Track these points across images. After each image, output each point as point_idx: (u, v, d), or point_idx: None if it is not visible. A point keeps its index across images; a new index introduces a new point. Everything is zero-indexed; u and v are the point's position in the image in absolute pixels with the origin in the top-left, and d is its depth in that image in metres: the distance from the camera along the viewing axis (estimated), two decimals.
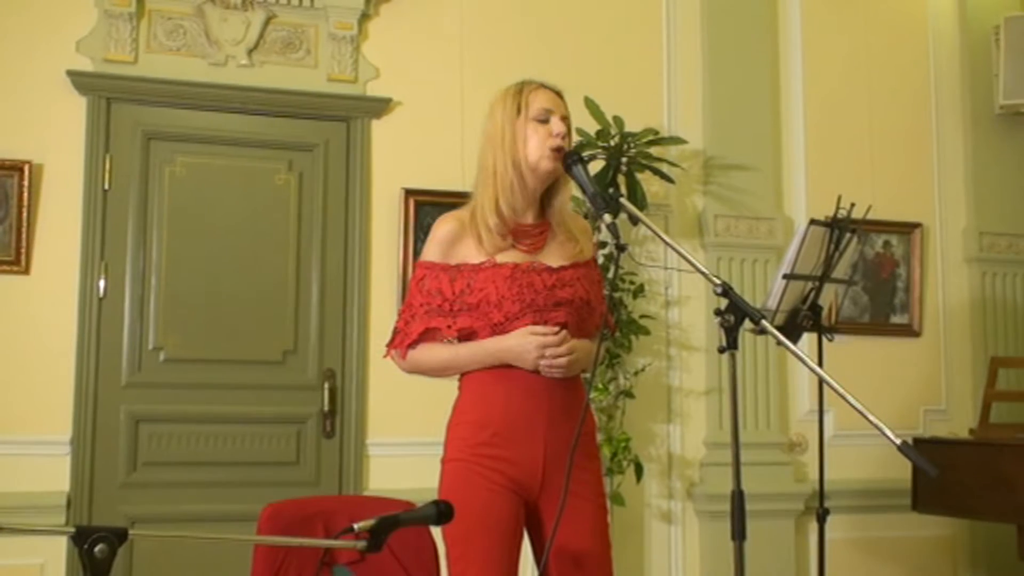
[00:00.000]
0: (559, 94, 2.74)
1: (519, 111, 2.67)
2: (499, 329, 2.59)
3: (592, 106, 4.46)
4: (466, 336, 2.64)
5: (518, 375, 2.61)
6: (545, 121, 2.66)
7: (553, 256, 2.69)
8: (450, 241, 2.67)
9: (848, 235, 3.87)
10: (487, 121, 2.73)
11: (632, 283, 4.61)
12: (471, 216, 2.69)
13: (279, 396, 4.41)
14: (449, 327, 2.61)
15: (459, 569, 2.58)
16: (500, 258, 2.64)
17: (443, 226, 2.69)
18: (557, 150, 2.63)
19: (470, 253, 2.65)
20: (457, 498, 2.49)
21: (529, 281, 2.62)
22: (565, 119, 2.70)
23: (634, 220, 2.60)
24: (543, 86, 2.72)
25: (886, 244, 5.22)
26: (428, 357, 2.67)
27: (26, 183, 4.14)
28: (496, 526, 2.57)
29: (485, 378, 2.65)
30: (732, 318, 2.27)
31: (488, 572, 2.55)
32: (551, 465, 2.59)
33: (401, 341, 2.70)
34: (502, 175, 2.65)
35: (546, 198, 2.74)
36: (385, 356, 2.77)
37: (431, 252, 2.69)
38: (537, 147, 2.64)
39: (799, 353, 2.27)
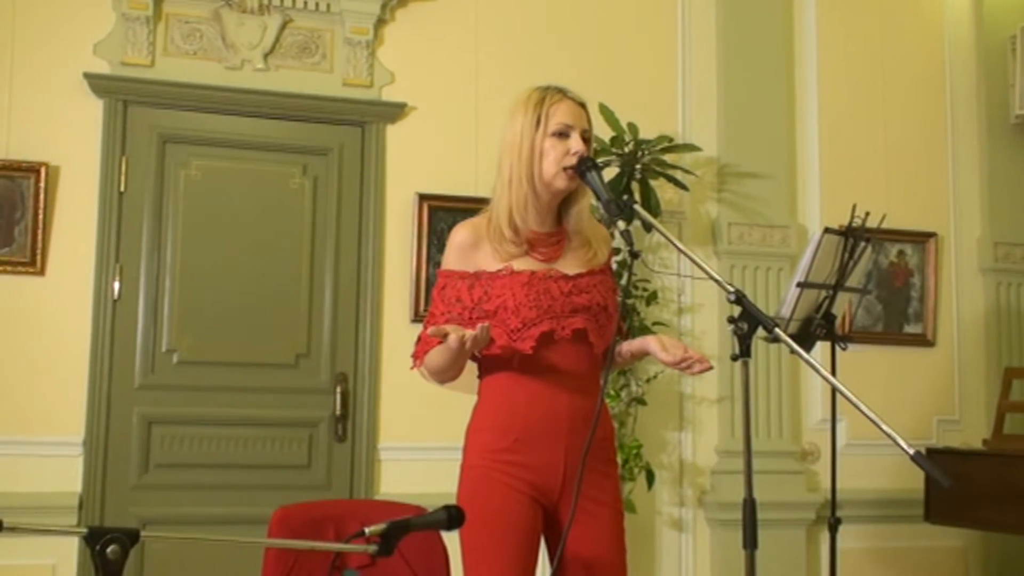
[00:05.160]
0: (582, 105, 2.69)
1: (539, 123, 2.62)
2: (516, 336, 2.58)
3: (607, 113, 4.46)
4: None
5: (539, 382, 2.61)
6: (564, 135, 2.62)
7: (569, 264, 2.69)
8: (467, 247, 2.66)
9: (862, 244, 3.86)
10: (507, 126, 2.69)
11: (645, 290, 4.61)
12: (487, 223, 2.68)
13: (291, 399, 4.41)
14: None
15: (477, 575, 2.58)
16: (517, 265, 2.62)
17: (459, 233, 2.68)
18: (573, 168, 2.60)
19: (487, 260, 2.64)
20: (477, 504, 2.51)
21: (546, 288, 2.61)
22: (586, 133, 2.65)
23: (648, 227, 2.59)
24: (566, 96, 2.67)
25: (900, 253, 5.20)
26: (431, 358, 2.63)
27: (42, 185, 4.16)
28: (515, 533, 2.57)
29: (506, 384, 2.64)
30: (745, 326, 2.27)
31: None
32: (571, 471, 2.58)
33: (420, 350, 2.69)
34: (516, 188, 2.63)
35: (563, 206, 2.72)
36: (413, 368, 2.74)
37: (450, 259, 2.68)
38: (553, 164, 2.60)
39: (812, 362, 2.27)
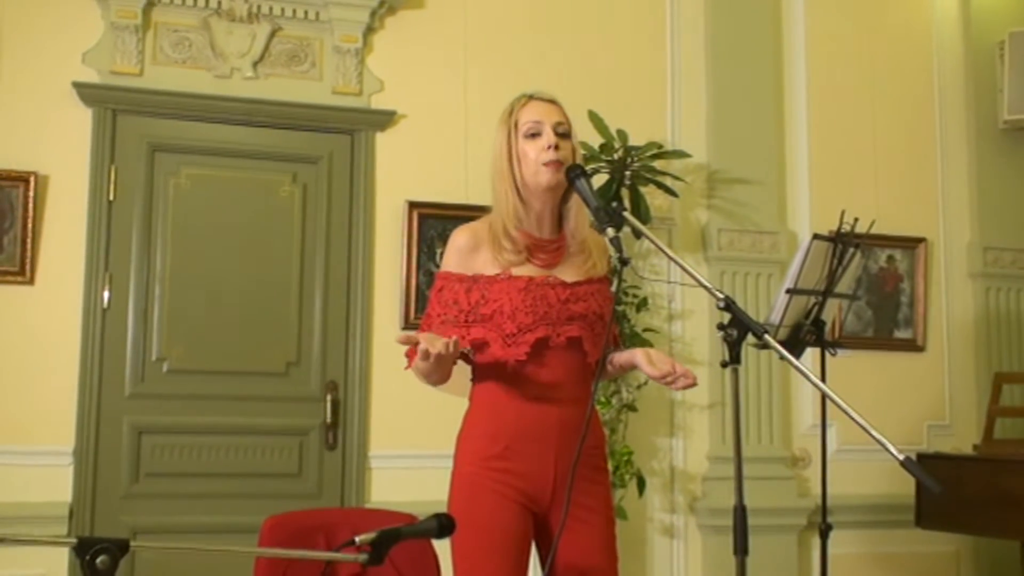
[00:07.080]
0: (552, 101, 2.71)
1: (511, 131, 2.66)
2: (511, 341, 2.58)
3: (596, 119, 4.47)
4: (479, 346, 2.63)
5: (531, 389, 2.62)
6: (537, 135, 2.64)
7: (568, 271, 2.69)
8: (466, 251, 2.66)
9: (851, 250, 3.87)
10: (493, 144, 2.73)
11: (636, 297, 4.61)
12: (488, 229, 2.69)
13: (282, 408, 4.40)
14: (463, 337, 2.59)
15: None
16: (515, 271, 2.63)
17: (460, 236, 2.69)
18: (553, 162, 2.62)
19: (486, 265, 2.65)
20: (467, 511, 2.51)
21: (543, 294, 2.62)
22: (560, 126, 2.66)
23: (637, 234, 2.60)
24: (532, 98, 2.70)
25: (890, 259, 5.21)
26: (418, 361, 2.64)
27: (31, 194, 4.15)
28: (505, 540, 2.57)
29: (497, 391, 2.64)
30: (735, 332, 2.27)
31: None
32: (562, 479, 2.58)
33: (412, 350, 2.69)
34: (506, 201, 2.65)
35: (563, 213, 2.73)
36: (407, 368, 2.75)
37: (450, 262, 2.69)
38: (532, 163, 2.62)
39: (802, 368, 2.27)
